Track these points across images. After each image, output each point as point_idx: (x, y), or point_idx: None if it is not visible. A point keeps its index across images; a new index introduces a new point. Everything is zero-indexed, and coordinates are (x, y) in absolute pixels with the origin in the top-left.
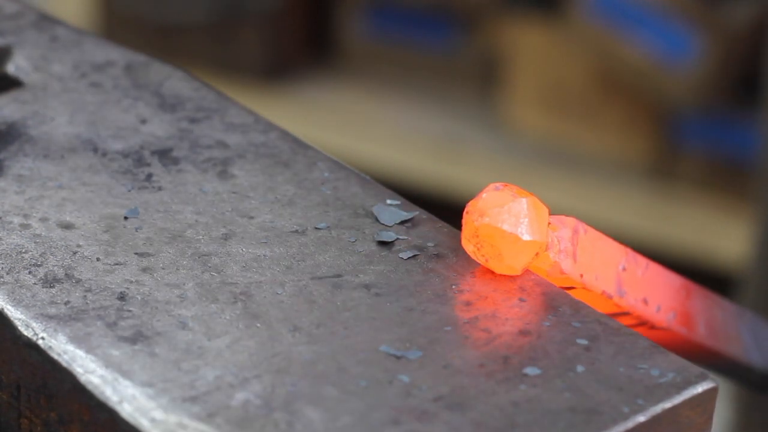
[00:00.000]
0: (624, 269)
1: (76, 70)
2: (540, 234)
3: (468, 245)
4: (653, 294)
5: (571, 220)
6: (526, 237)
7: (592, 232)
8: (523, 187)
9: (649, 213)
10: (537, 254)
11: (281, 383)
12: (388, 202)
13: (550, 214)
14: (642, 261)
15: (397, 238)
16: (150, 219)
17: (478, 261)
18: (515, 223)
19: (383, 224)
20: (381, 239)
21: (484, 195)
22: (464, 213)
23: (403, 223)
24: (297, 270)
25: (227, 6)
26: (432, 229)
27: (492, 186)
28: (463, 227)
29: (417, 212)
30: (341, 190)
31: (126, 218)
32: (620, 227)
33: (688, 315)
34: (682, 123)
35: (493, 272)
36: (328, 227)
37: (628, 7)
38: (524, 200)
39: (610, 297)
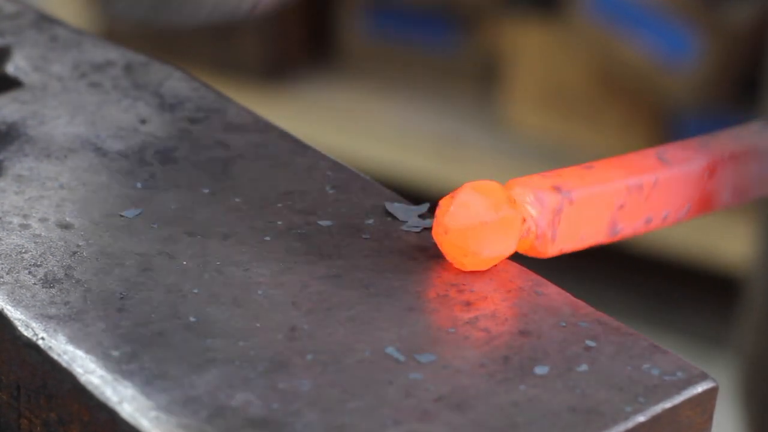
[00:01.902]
0: (622, 207)
1: (76, 70)
2: (504, 207)
3: (454, 260)
4: (660, 206)
5: (552, 199)
6: (490, 218)
7: (580, 196)
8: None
9: None
10: (518, 227)
11: (281, 383)
12: (395, 204)
13: (529, 187)
14: (649, 180)
15: (424, 228)
16: (150, 219)
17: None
18: (471, 212)
19: (400, 220)
20: (409, 228)
21: (458, 199)
22: (439, 204)
23: (421, 216)
24: (297, 270)
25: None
26: (429, 230)
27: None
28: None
29: (428, 204)
30: (341, 190)
31: (126, 217)
32: None
33: (708, 196)
34: (682, 123)
35: (492, 272)
36: (328, 227)
37: (628, 7)
38: (466, 188)
39: (600, 243)
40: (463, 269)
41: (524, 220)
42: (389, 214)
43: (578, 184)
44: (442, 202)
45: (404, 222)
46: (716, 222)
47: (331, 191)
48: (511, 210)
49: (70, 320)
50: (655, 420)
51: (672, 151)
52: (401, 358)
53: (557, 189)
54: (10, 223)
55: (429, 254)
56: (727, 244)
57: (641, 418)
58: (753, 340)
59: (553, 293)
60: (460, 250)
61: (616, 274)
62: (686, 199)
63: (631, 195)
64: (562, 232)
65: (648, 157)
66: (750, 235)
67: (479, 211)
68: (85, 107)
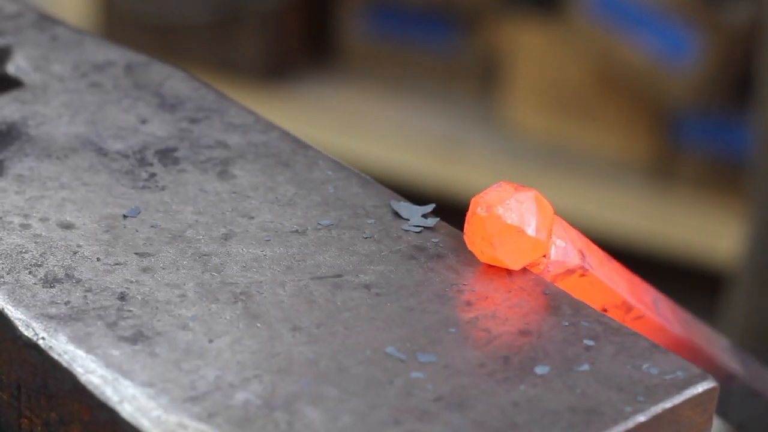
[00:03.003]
0: (605, 310)
1: (76, 70)
2: (544, 232)
3: (471, 237)
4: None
5: (573, 260)
6: (530, 232)
7: (591, 277)
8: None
9: (649, 213)
10: (539, 255)
11: (281, 383)
12: (401, 203)
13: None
14: (638, 310)
15: (426, 226)
16: (150, 219)
17: (475, 253)
18: (521, 217)
19: (404, 218)
20: (409, 228)
21: (491, 190)
22: (470, 205)
23: (425, 215)
24: (297, 270)
25: (227, 6)
26: (432, 228)
27: (499, 183)
28: (468, 219)
29: (434, 204)
30: (341, 190)
31: (126, 217)
32: (620, 227)
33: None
34: (681, 123)
35: (493, 272)
36: (328, 227)
37: (628, 7)
38: (531, 194)
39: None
40: (470, 249)
41: (545, 255)
42: (394, 213)
43: (595, 265)
44: (504, 185)
45: (405, 222)
46: (712, 221)
47: (331, 191)
48: (546, 240)
49: (71, 320)
50: (655, 420)
51: (665, 305)
52: (402, 358)
53: (582, 256)
54: (11, 223)
55: (429, 254)
56: (723, 243)
57: (641, 418)
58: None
59: (553, 293)
60: (484, 233)
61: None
62: (655, 337)
63: (619, 309)
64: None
65: (648, 293)
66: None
67: (528, 218)
68: (85, 107)
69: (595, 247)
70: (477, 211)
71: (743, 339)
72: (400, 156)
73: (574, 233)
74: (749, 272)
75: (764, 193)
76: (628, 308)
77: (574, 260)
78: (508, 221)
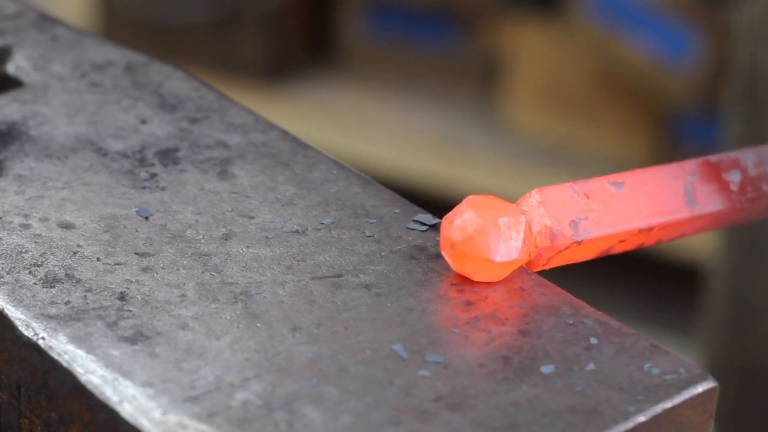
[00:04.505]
0: (622, 241)
1: (76, 70)
2: (514, 250)
3: (445, 251)
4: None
5: (563, 240)
6: (498, 259)
7: (589, 238)
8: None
9: None
10: (516, 268)
11: (281, 383)
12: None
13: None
14: (663, 221)
15: (429, 226)
16: (150, 219)
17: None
18: (486, 245)
19: (416, 220)
20: (414, 226)
21: (462, 212)
22: (442, 222)
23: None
24: (297, 270)
25: (227, 6)
26: (432, 229)
27: (468, 199)
28: (441, 235)
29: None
30: (341, 190)
31: (126, 217)
32: None
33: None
34: (682, 123)
35: None
36: (328, 227)
37: (628, 7)
38: (494, 216)
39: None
40: (480, 280)
41: (530, 226)
42: (398, 215)
43: (593, 226)
44: (444, 219)
45: (407, 221)
46: None
47: (331, 191)
48: (514, 213)
49: (71, 320)
50: (656, 420)
51: (701, 188)
52: (402, 357)
53: (574, 225)
54: (11, 223)
55: (429, 254)
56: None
57: (641, 418)
58: (715, 336)
59: (554, 293)
60: (471, 258)
61: (618, 274)
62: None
63: (640, 234)
64: (559, 259)
65: (677, 194)
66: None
67: (482, 215)
68: (85, 107)
69: (597, 192)
70: (444, 244)
71: (723, 327)
72: (400, 156)
73: (565, 197)
74: (727, 258)
75: None
76: (649, 229)
77: (564, 240)
78: (475, 252)
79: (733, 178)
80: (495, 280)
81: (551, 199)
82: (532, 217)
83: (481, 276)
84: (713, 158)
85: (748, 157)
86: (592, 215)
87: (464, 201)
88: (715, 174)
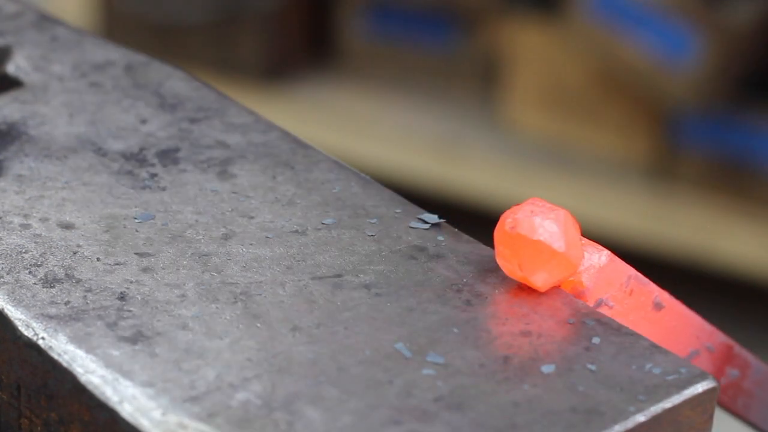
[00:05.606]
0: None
1: (76, 70)
2: (574, 251)
3: (500, 253)
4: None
5: (580, 296)
6: (560, 249)
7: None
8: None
9: (649, 213)
10: (568, 274)
11: (281, 383)
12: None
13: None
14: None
15: (439, 222)
16: (150, 219)
17: (506, 271)
18: (549, 234)
19: (421, 219)
20: (416, 225)
21: (521, 206)
22: (499, 220)
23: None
24: (297, 270)
25: (227, 6)
26: (433, 229)
27: (531, 200)
28: (496, 235)
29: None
30: (342, 190)
31: (126, 217)
32: (620, 227)
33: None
34: (682, 123)
35: (492, 273)
36: (328, 227)
37: (628, 7)
38: (562, 212)
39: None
40: (500, 266)
41: (578, 281)
42: (395, 214)
43: (617, 313)
44: (535, 201)
45: (409, 220)
46: (712, 222)
47: (331, 191)
48: (575, 259)
49: (71, 320)
50: (656, 420)
51: (705, 360)
52: (405, 356)
53: (599, 301)
54: (11, 223)
55: (429, 254)
56: (723, 243)
57: (642, 418)
58: None
59: (554, 293)
60: (511, 249)
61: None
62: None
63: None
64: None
65: (685, 348)
66: (746, 235)
67: (556, 236)
68: (85, 107)
69: (638, 297)
70: (505, 226)
71: None
72: (400, 156)
73: (618, 278)
74: None
75: None
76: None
77: (581, 296)
78: (535, 237)
79: (731, 373)
80: (543, 286)
81: (608, 270)
82: (584, 264)
83: (534, 271)
84: (737, 348)
85: (757, 371)
86: (617, 308)
87: (560, 208)
88: (723, 360)
